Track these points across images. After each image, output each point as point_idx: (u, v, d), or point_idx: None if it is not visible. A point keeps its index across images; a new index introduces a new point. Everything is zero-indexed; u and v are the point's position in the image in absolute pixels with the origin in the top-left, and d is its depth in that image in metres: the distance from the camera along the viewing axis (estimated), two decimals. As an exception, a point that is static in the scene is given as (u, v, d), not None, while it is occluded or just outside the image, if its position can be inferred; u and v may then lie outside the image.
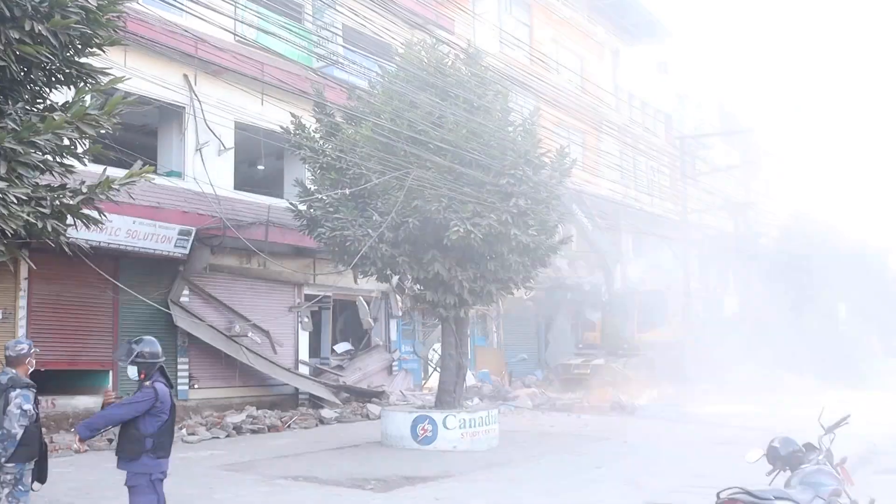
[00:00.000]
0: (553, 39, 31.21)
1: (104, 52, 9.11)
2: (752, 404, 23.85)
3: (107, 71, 9.00)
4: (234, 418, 16.51)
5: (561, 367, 26.30)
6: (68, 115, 8.24)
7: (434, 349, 23.00)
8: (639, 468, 12.47)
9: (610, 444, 15.37)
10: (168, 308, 16.57)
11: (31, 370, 7.23)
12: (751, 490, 6.00)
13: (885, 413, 20.17)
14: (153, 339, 7.06)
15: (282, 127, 15.41)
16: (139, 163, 9.37)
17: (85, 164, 9.27)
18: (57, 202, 8.44)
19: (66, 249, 9.07)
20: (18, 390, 6.78)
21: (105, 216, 9.54)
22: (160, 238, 16.02)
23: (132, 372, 6.84)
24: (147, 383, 6.79)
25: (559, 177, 15.57)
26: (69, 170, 8.89)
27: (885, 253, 46.02)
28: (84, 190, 8.75)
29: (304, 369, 19.86)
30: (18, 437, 6.68)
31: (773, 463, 6.85)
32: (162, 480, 6.89)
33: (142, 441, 6.77)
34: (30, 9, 7.75)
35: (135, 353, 6.84)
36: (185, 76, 17.44)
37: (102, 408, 6.90)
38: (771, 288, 36.97)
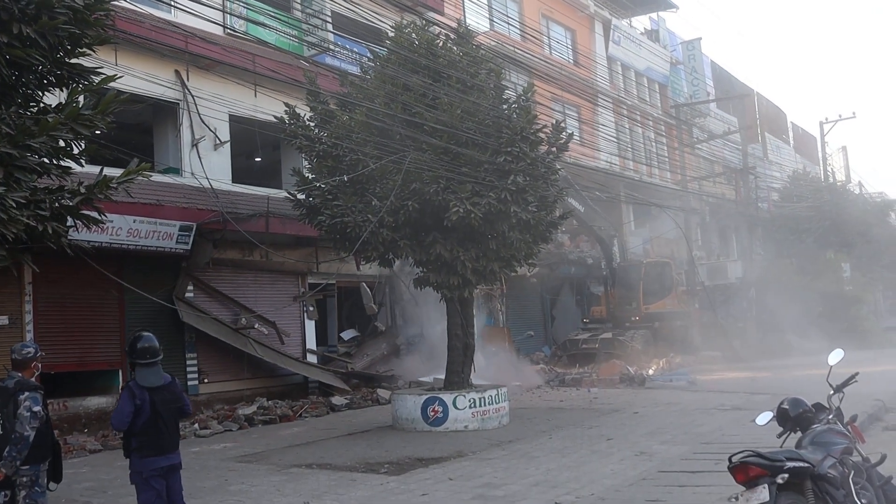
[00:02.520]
0: (543, 14, 31.08)
1: (94, 51, 9.10)
2: (760, 369, 23.96)
3: (98, 70, 9.02)
4: (245, 410, 16.59)
5: (568, 342, 26.35)
6: (62, 116, 8.25)
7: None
8: (650, 438, 12.53)
9: (620, 415, 15.43)
10: (173, 304, 16.59)
11: (38, 374, 7.26)
12: (762, 452, 6.03)
13: (892, 370, 20.23)
14: (150, 336, 6.92)
15: (276, 117, 15.38)
16: (136, 160, 9.38)
17: (82, 166, 9.28)
18: (56, 204, 8.46)
19: (69, 251, 9.10)
20: (27, 393, 6.81)
21: (105, 216, 9.56)
22: (161, 235, 16.03)
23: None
24: (121, 384, 6.79)
25: (556, 152, 15.56)
26: (66, 171, 8.90)
27: (887, 208, 45.95)
28: (82, 190, 8.77)
29: (312, 358, 19.91)
30: (30, 439, 6.72)
31: (784, 425, 6.88)
32: (161, 476, 6.76)
33: (128, 440, 6.75)
34: (17, 12, 7.74)
35: (127, 347, 6.93)
36: (177, 72, 17.39)
37: None
38: (774, 251, 37.04)
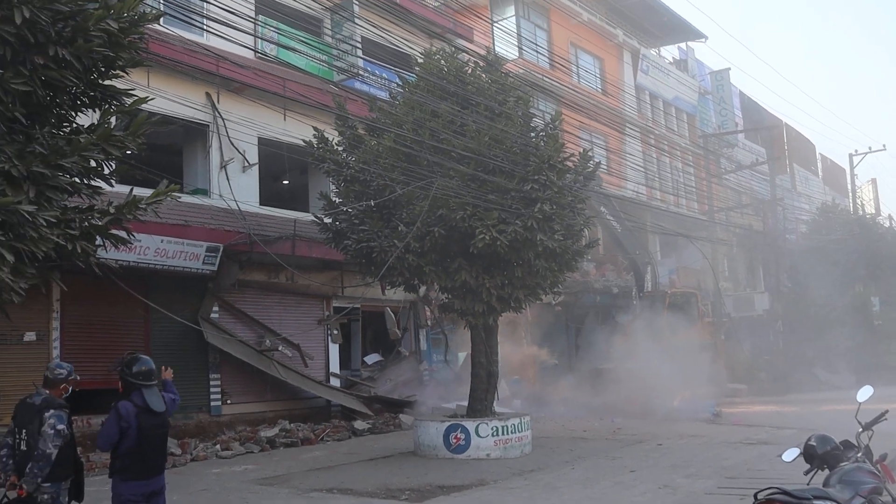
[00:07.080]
0: (572, 42, 31.15)
1: (127, 73, 9.21)
2: (787, 403, 23.67)
3: (130, 92, 9.10)
4: (267, 432, 16.57)
5: (593, 371, 26.13)
6: (94, 137, 8.34)
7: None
8: (673, 470, 12.38)
9: (643, 447, 15.28)
10: (198, 325, 16.67)
11: (68, 395, 7.24)
12: (789, 490, 5.92)
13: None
14: (148, 359, 6.95)
15: (305, 141, 15.49)
16: (165, 182, 9.45)
17: (112, 186, 9.36)
18: (86, 224, 8.53)
19: (97, 270, 9.16)
20: (52, 411, 6.82)
21: (133, 236, 9.64)
22: (188, 255, 16.13)
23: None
24: (114, 403, 6.73)
25: (583, 180, 15.54)
26: (97, 191, 8.98)
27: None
28: (112, 210, 8.84)
29: (335, 381, 19.90)
30: (53, 457, 6.73)
31: (811, 462, 6.76)
32: (141, 502, 6.72)
33: (113, 461, 6.74)
34: (53, 34, 7.85)
35: (118, 366, 6.87)
36: (208, 94, 17.58)
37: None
38: (802, 284, 36.67)
